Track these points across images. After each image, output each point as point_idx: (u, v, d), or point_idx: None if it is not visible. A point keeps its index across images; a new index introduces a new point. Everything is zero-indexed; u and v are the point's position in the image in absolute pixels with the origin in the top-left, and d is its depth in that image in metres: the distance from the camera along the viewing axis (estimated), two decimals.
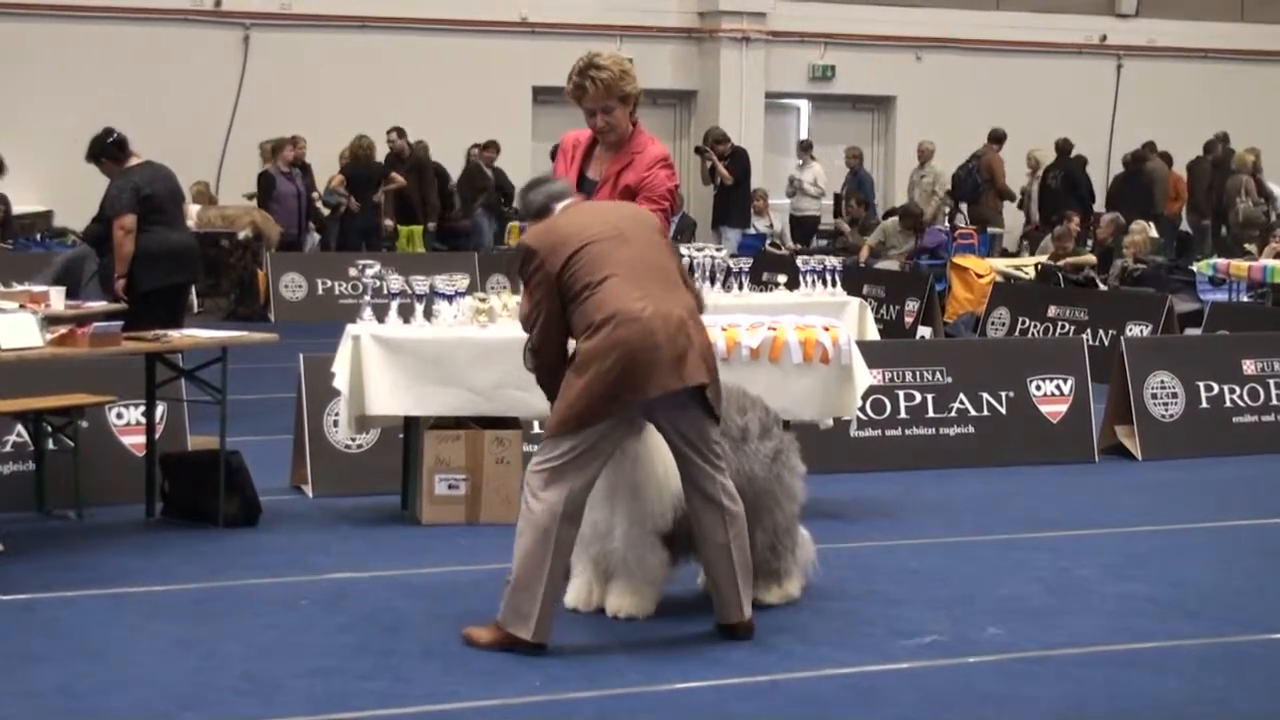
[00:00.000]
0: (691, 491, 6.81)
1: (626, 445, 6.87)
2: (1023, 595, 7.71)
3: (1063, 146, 24.47)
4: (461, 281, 9.19)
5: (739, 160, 22.83)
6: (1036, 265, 19.13)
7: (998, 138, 24.43)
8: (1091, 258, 18.59)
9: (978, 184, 24.05)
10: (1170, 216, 25.65)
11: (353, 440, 9.78)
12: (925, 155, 24.81)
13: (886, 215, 22.98)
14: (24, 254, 19.86)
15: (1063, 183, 23.93)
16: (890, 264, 20.17)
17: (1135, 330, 15.03)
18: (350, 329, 8.95)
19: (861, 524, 9.29)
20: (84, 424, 9.23)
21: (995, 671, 6.55)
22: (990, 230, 23.44)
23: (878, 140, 28.76)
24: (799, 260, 12.73)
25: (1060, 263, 18.57)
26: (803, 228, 24.99)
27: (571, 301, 6.66)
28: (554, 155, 8.15)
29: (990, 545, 8.84)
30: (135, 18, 23.97)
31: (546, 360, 6.85)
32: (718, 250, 10.85)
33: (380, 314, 9.10)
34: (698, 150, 23.39)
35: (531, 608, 6.58)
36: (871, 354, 10.24)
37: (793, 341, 9.03)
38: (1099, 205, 24.25)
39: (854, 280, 15.86)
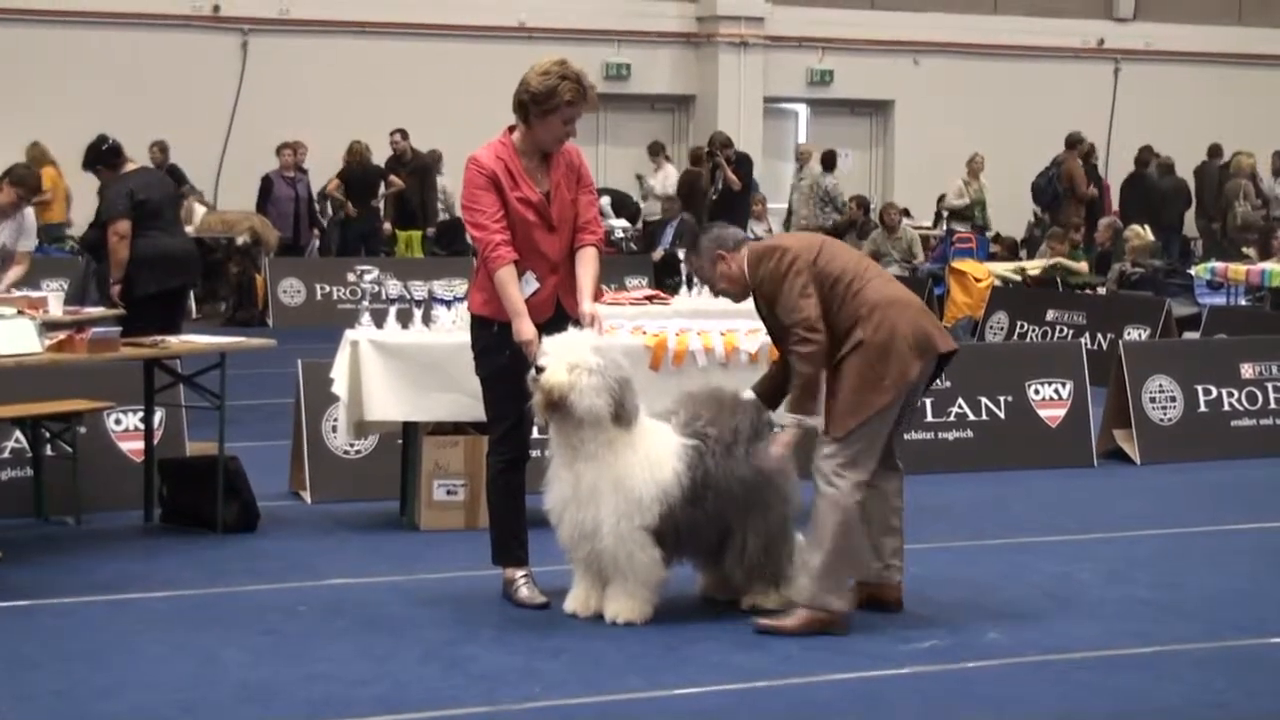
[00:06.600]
0: (887, 453, 7.19)
1: (608, 440, 6.96)
2: (1022, 599, 7.71)
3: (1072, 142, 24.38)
4: (460, 286, 9.16)
5: (743, 165, 22.79)
6: (1021, 270, 19.08)
7: (1074, 143, 23.32)
8: (1083, 266, 18.59)
9: (1058, 192, 22.95)
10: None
11: (351, 446, 9.78)
12: (804, 158, 24.42)
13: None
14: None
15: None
16: (892, 270, 20.14)
17: (1133, 334, 15.04)
18: (349, 334, 8.94)
19: None
20: (82, 430, 9.23)
21: (995, 676, 6.55)
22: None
23: (876, 144, 28.78)
24: None
25: (1051, 260, 18.59)
26: (652, 233, 23.35)
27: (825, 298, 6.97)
28: (477, 181, 7.24)
29: (989, 550, 8.84)
30: (134, 23, 23.98)
31: (823, 349, 6.96)
32: None
33: (379, 319, 9.09)
34: (708, 154, 23.21)
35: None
36: None
37: None
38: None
39: None
